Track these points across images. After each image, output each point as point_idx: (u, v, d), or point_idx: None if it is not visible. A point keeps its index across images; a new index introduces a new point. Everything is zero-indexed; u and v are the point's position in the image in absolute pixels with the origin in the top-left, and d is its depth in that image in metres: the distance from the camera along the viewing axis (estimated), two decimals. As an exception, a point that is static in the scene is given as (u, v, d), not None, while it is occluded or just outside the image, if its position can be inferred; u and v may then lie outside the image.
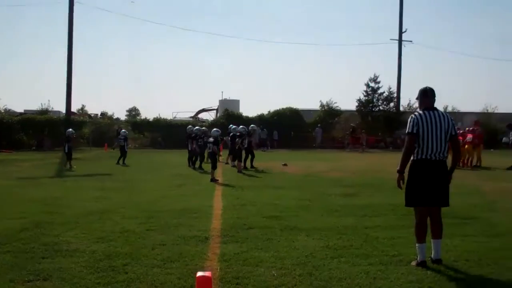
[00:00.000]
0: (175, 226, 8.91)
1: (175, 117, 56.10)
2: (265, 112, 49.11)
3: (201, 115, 58.12)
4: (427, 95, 6.65)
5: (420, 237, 6.48)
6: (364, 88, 49.50)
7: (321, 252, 7.10)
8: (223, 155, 25.90)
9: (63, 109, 44.67)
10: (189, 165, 23.14)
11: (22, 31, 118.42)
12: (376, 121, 48.77)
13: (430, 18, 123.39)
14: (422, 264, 6.34)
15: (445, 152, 6.52)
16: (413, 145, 6.52)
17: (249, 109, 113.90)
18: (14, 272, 6.08)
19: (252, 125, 25.58)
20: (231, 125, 25.23)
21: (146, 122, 47.66)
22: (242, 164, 21.38)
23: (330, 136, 47.92)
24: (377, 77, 49.28)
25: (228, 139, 23.10)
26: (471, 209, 10.66)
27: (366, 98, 49.30)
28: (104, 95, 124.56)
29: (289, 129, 45.08)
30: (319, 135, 45.74)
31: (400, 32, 50.71)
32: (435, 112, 6.53)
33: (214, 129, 19.35)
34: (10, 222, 9.25)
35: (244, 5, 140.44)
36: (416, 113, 6.59)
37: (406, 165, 6.61)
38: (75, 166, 22.16)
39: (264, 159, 26.31)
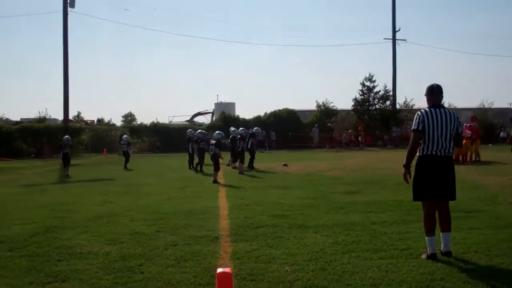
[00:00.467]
0: (184, 227, 9.02)
1: (171, 121, 56.29)
2: (262, 114, 49.33)
3: (197, 119, 58.29)
4: (433, 93, 6.75)
5: (429, 231, 6.59)
6: (360, 87, 49.69)
7: (331, 248, 7.21)
8: (224, 157, 26.02)
9: (59, 117, 44.83)
10: (190, 168, 23.26)
11: (17, 41, 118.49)
12: (372, 120, 48.95)
13: (423, 17, 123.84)
14: (432, 256, 6.45)
15: (450, 148, 6.64)
16: (418, 141, 6.64)
17: (245, 111, 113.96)
18: (32, 275, 6.18)
19: (256, 127, 25.89)
20: (231, 128, 25.39)
21: (144, 127, 47.80)
22: (247, 165, 21.59)
23: (330, 136, 48.04)
24: (372, 76, 49.44)
25: (228, 141, 23.26)
26: (474, 203, 10.78)
27: (362, 97, 49.43)
28: (99, 101, 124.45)
29: (286, 130, 45.20)
30: (316, 135, 45.89)
31: (394, 31, 51.02)
32: (442, 109, 6.64)
33: (217, 131, 19.46)
34: (21, 227, 9.34)
35: (238, 7, 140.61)
36: (422, 110, 6.70)
37: (412, 160, 6.73)
38: (69, 174, 21.76)
39: (263, 160, 26.41)
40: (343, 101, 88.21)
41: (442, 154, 6.58)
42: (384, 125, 47.84)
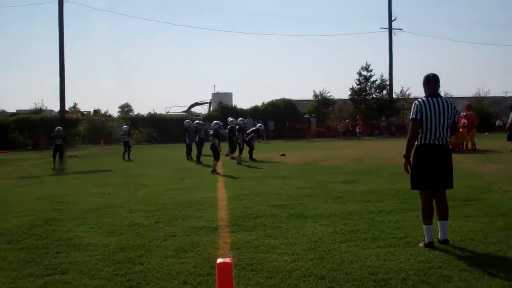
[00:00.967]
0: (183, 217, 9.04)
1: (168, 112, 56.25)
2: (259, 104, 49.37)
3: (194, 109, 58.21)
4: (429, 82, 6.77)
5: (427, 219, 6.62)
6: (357, 76, 49.76)
7: (330, 237, 7.25)
8: (222, 148, 26.04)
9: (56, 108, 44.75)
10: (188, 159, 23.29)
11: (13, 32, 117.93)
12: (369, 109, 49.01)
13: (420, 6, 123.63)
14: (429, 245, 6.50)
15: (447, 137, 6.68)
16: (417, 130, 6.67)
17: (242, 102, 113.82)
18: (31, 267, 6.19)
19: (259, 124, 26.05)
20: (229, 118, 25.39)
21: (141, 118, 47.72)
22: (249, 156, 21.81)
23: (324, 125, 48.15)
24: (369, 66, 49.58)
25: (226, 131, 23.30)
26: (471, 191, 10.84)
27: (359, 86, 49.55)
28: (96, 92, 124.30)
29: (283, 119, 45.21)
30: (313, 125, 45.89)
31: (390, 21, 51.05)
32: (439, 98, 6.67)
33: (214, 121, 19.46)
34: (19, 220, 9.34)
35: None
36: (419, 100, 6.73)
37: (411, 150, 6.76)
38: (63, 166, 21.51)
39: (261, 150, 26.42)
40: (340, 90, 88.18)
41: (440, 143, 6.62)
42: (380, 115, 47.91)
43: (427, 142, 6.62)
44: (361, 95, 49.42)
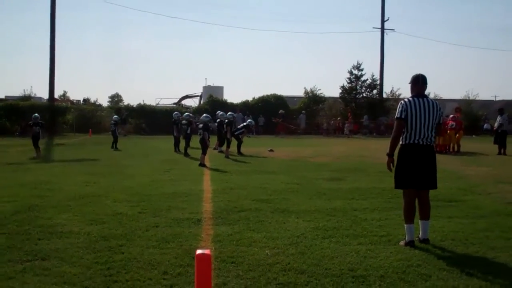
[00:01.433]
0: (167, 209, 9.03)
1: (158, 104, 56.10)
2: (250, 99, 49.33)
3: (184, 102, 58.10)
4: (417, 82, 6.81)
5: (408, 218, 6.67)
6: (348, 75, 49.84)
7: (312, 233, 7.28)
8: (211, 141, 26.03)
9: (45, 95, 44.49)
10: (176, 151, 23.26)
11: (3, 17, 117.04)
12: (360, 108, 49.12)
13: (413, 7, 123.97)
14: (410, 243, 6.54)
15: (432, 137, 6.72)
16: (401, 129, 6.71)
17: (233, 96, 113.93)
18: (11, 253, 6.17)
19: (249, 120, 26.09)
20: (218, 112, 25.39)
21: (130, 108, 47.49)
22: (237, 150, 21.88)
23: (314, 122, 48.22)
24: (360, 65, 49.66)
25: (215, 125, 23.30)
26: (455, 193, 10.91)
27: (350, 85, 49.64)
28: (86, 81, 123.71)
29: (274, 115, 45.17)
30: (302, 121, 45.96)
31: (383, 21, 51.16)
32: (425, 99, 6.71)
33: (204, 114, 19.41)
34: (1, 205, 9.29)
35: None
36: (406, 99, 6.78)
37: (395, 148, 6.80)
38: (40, 155, 20.85)
39: (250, 145, 26.43)
40: (331, 88, 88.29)
41: (424, 143, 6.66)
42: (371, 114, 48.03)
43: (411, 141, 6.66)
44: (352, 94, 49.52)
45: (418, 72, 6.91)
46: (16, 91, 54.76)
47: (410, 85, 6.88)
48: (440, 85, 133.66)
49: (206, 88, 55.55)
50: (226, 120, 22.26)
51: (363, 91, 49.99)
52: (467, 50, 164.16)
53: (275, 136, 40.52)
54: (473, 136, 41.13)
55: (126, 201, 9.87)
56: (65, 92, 71.39)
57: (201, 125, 18.00)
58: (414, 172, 6.66)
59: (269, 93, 49.52)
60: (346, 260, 5.92)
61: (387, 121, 45.21)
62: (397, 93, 50.22)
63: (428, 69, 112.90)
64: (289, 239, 6.90)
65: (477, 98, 52.50)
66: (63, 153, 22.29)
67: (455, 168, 16.19)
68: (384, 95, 51.18)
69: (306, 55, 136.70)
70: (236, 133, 22.35)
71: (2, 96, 54.08)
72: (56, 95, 47.71)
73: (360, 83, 49.67)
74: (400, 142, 6.80)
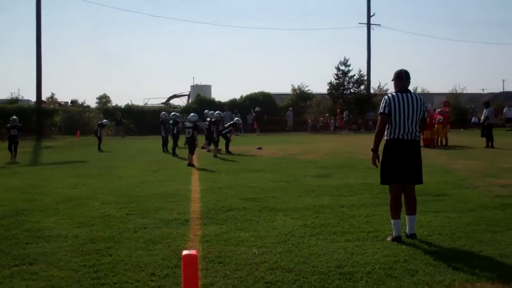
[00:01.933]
0: (155, 210, 9.04)
1: (146, 104, 55.93)
2: (238, 97, 49.29)
3: (172, 101, 58.00)
4: (401, 78, 6.85)
5: (395, 214, 6.71)
6: (335, 71, 49.91)
7: (300, 230, 7.31)
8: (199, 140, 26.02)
9: (32, 98, 44.24)
10: (164, 151, 23.24)
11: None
12: (347, 104, 49.22)
13: (398, 2, 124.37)
14: (397, 239, 6.59)
15: (417, 132, 6.75)
16: (385, 124, 6.76)
17: (221, 94, 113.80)
18: (-1, 258, 6.17)
19: (237, 118, 26.12)
20: (206, 111, 25.38)
21: (118, 109, 47.25)
22: (225, 148, 21.88)
23: (302, 119, 48.28)
24: (347, 61, 49.69)
25: (204, 123, 23.29)
26: (442, 187, 10.99)
27: (337, 81, 49.71)
28: (73, 82, 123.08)
29: (261, 113, 45.13)
30: (290, 118, 45.99)
31: (369, 16, 51.21)
32: (408, 94, 6.75)
33: (192, 114, 19.38)
34: (-11, 210, 9.26)
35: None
36: (389, 95, 6.81)
37: (379, 143, 6.84)
38: (17, 159, 20.02)
39: (238, 143, 26.43)
40: (319, 85, 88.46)
41: (409, 138, 6.69)
42: (358, 110, 48.15)
43: (396, 136, 6.69)
44: (339, 90, 49.60)
45: (405, 67, 6.93)
46: (3, 94, 54.38)
47: (393, 81, 6.91)
48: (428, 79, 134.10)
49: (194, 87, 55.51)
50: (213, 119, 22.25)
51: (350, 86, 50.10)
52: (454, 43, 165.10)
53: (257, 135, 40.39)
54: (461, 129, 41.35)
55: (114, 203, 9.85)
56: (52, 94, 70.81)
57: (189, 125, 17.98)
58: (399, 167, 6.69)
59: (256, 91, 49.52)
60: (334, 257, 5.95)
61: (374, 117, 45.36)
62: (384, 88, 50.38)
63: (415, 64, 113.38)
64: (277, 237, 6.93)
65: (464, 92, 52.80)
66: (52, 156, 22.18)
67: (443, 162, 16.29)
68: (372, 91, 51.34)
69: (293, 52, 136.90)
70: (223, 132, 22.33)
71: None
72: (43, 97, 47.42)
73: (347, 79, 49.75)
74: (385, 138, 6.84)
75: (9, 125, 21.06)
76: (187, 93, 57.31)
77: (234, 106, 45.59)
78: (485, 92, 69.82)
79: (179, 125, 22.33)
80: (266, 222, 7.89)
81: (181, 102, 57.11)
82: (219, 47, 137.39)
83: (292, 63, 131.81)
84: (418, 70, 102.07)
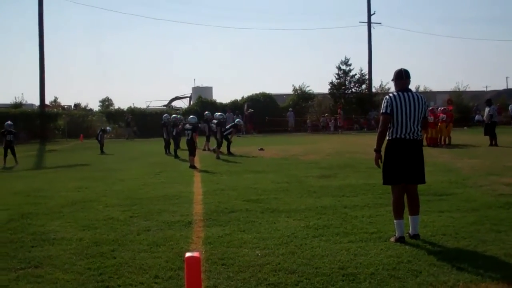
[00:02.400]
0: (158, 212, 9.07)
1: (148, 106, 55.94)
2: (239, 98, 49.26)
3: (174, 103, 57.99)
4: (401, 77, 6.84)
5: (398, 214, 6.70)
6: (336, 71, 49.89)
7: (302, 232, 7.32)
8: (199, 142, 26.04)
9: (36, 102, 44.34)
10: (166, 153, 23.27)
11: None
12: (349, 103, 49.18)
13: (399, 0, 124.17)
14: (400, 239, 6.58)
15: (419, 132, 6.74)
16: (387, 124, 6.75)
17: (222, 96, 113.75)
18: (5, 261, 6.20)
19: (238, 119, 26.09)
20: (206, 112, 25.42)
21: (121, 112, 47.30)
22: (226, 150, 21.87)
23: (303, 119, 48.23)
24: (348, 60, 49.71)
25: (204, 125, 23.30)
26: (446, 186, 10.98)
27: (338, 81, 49.70)
28: (76, 86, 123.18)
29: (263, 114, 45.09)
30: (291, 119, 45.97)
31: (369, 15, 51.17)
32: (409, 93, 6.74)
33: (191, 116, 19.41)
34: (-5, 214, 9.30)
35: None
36: (390, 94, 6.81)
37: (382, 144, 6.83)
38: (16, 163, 19.89)
39: (240, 144, 26.44)
40: (320, 85, 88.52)
41: (411, 138, 6.69)
42: (360, 109, 48.11)
43: (397, 136, 6.69)
44: (341, 90, 49.59)
45: (407, 66, 6.93)
46: (7, 99, 54.41)
47: (394, 81, 6.92)
48: (430, 77, 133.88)
49: (195, 89, 55.52)
50: (216, 121, 22.25)
51: (352, 86, 50.09)
52: (456, 41, 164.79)
53: (252, 136, 40.40)
54: (465, 128, 41.26)
55: (117, 205, 9.89)
56: (56, 98, 70.76)
57: (189, 127, 18.01)
58: (401, 167, 6.69)
59: (258, 92, 49.47)
60: (337, 258, 5.96)
61: (377, 116, 45.31)
62: (386, 87, 50.29)
63: (417, 62, 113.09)
64: (280, 239, 6.94)
65: (467, 89, 52.73)
66: (55, 159, 22.24)
67: (446, 161, 16.26)
68: (374, 90, 51.31)
69: (293, 52, 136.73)
70: (225, 133, 22.35)
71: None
72: (47, 101, 47.47)
73: (348, 78, 49.73)
74: (387, 137, 6.83)
75: (3, 130, 20.87)
76: (189, 95, 57.32)
77: (235, 107, 45.54)
78: (489, 89, 69.67)
79: (179, 127, 22.37)
80: (269, 224, 7.90)
81: (183, 104, 57.16)
82: (220, 48, 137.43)
83: (293, 63, 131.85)
84: (420, 68, 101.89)
